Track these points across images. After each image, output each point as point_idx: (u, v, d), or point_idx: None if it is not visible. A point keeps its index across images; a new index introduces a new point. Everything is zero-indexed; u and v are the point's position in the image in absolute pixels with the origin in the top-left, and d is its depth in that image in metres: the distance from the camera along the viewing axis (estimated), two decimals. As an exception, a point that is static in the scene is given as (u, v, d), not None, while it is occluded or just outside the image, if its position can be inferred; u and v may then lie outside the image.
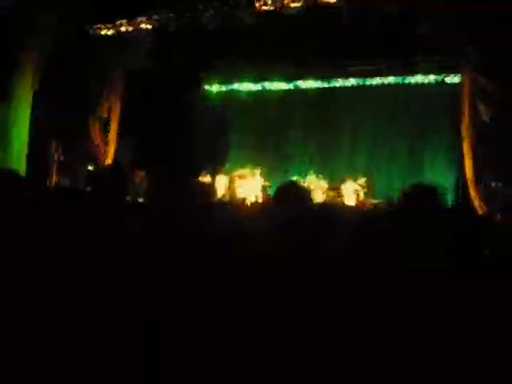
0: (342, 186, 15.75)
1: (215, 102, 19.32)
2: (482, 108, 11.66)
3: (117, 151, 16.54)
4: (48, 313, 2.45)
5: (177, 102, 17.34)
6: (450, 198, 15.58)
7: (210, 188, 13.51)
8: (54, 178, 15.82)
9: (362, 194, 16.12)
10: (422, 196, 2.69)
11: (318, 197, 15.60)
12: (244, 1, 13.48)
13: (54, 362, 2.34)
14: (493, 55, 11.19)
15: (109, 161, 16.20)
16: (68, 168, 16.14)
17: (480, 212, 11.42)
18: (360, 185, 15.99)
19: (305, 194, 2.67)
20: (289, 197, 2.59)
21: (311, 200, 2.62)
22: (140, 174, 16.21)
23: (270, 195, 16.56)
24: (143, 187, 15.84)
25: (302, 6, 12.98)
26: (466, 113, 12.02)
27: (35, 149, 15.04)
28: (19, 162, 14.04)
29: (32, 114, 14.76)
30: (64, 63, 14.67)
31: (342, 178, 16.10)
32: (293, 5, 13.01)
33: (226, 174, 17.54)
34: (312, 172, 16.78)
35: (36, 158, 15.06)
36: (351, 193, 15.38)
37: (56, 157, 15.95)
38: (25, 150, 14.39)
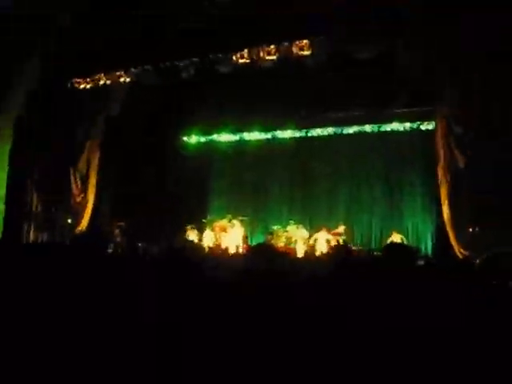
0: (315, 236, 15.74)
1: (194, 153, 19.37)
2: (457, 154, 11.79)
3: (96, 204, 16.40)
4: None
5: (155, 153, 17.38)
6: (429, 244, 15.70)
7: (193, 243, 13.47)
8: (32, 233, 15.59)
9: (341, 241, 16.09)
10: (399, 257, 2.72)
11: (299, 246, 15.54)
12: (222, 55, 13.66)
13: None
14: (467, 104, 11.39)
15: (88, 215, 16.05)
16: (47, 222, 15.93)
17: (460, 257, 11.39)
18: (338, 233, 16.00)
19: (273, 254, 2.67)
20: (259, 257, 2.59)
21: (280, 259, 2.62)
22: (119, 226, 16.09)
23: (250, 245, 16.49)
24: (123, 239, 15.71)
25: (277, 59, 13.18)
26: (442, 159, 12.13)
27: (12, 203, 14.88)
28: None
29: (10, 168, 14.66)
30: (42, 116, 14.71)
31: (318, 227, 16.11)
32: (268, 57, 13.20)
33: (207, 224, 17.45)
34: (292, 222, 16.79)
35: (13, 212, 14.88)
36: (324, 242, 15.32)
37: (35, 210, 15.76)
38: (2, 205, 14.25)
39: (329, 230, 15.74)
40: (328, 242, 15.33)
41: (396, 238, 14.63)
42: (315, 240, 15.61)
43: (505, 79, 10.59)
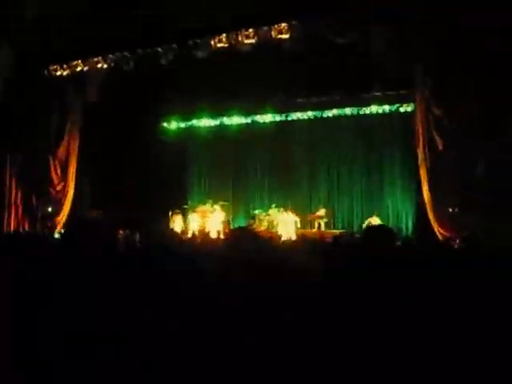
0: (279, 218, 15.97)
1: (174, 139, 19.24)
2: (436, 136, 11.88)
3: (76, 191, 16.26)
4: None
5: (134, 140, 17.22)
6: (410, 223, 15.86)
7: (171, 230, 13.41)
8: (13, 222, 15.42)
9: (322, 224, 16.22)
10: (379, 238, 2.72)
11: (282, 229, 15.57)
12: (201, 40, 13.53)
13: None
14: (445, 85, 11.46)
15: (68, 203, 15.92)
16: (28, 211, 15.75)
17: (440, 237, 11.53)
18: (319, 216, 16.14)
19: (255, 238, 2.65)
20: (240, 240, 2.56)
21: (260, 243, 2.59)
22: (97, 213, 15.96)
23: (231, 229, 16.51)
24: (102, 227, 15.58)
25: (255, 43, 13.10)
26: (421, 141, 12.22)
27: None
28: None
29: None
30: (19, 104, 14.48)
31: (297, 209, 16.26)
32: (246, 41, 13.12)
33: (189, 210, 17.42)
34: (274, 205, 16.84)
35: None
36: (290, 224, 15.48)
37: (15, 200, 15.58)
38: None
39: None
40: (295, 223, 15.55)
41: (375, 220, 14.74)
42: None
43: (479, 60, 10.66)
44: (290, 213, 16.00)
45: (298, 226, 15.78)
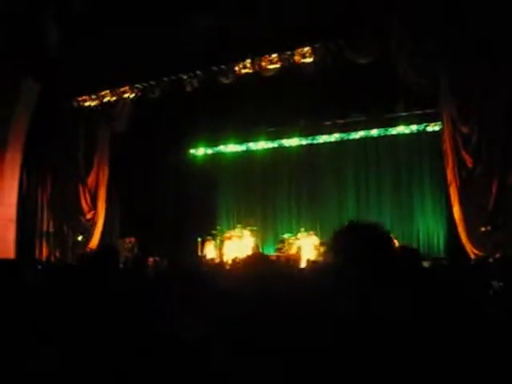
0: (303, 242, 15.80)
1: (202, 165, 19.34)
2: (464, 154, 11.70)
3: (106, 221, 16.41)
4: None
5: (163, 167, 17.38)
6: (442, 244, 15.56)
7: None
8: (45, 251, 15.63)
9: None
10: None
11: (310, 253, 15.39)
12: (225, 66, 13.66)
13: None
14: (471, 103, 11.32)
15: (98, 232, 16.06)
16: (59, 240, 15.95)
17: (472, 256, 11.26)
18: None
19: (268, 264, 2.58)
20: (255, 266, 2.50)
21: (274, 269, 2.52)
22: (130, 241, 16.05)
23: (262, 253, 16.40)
24: (133, 254, 15.67)
25: (279, 67, 13.17)
26: (450, 160, 12.03)
27: (25, 222, 14.96)
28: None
29: (21, 187, 14.77)
30: (48, 135, 14.76)
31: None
32: (270, 66, 13.19)
33: (218, 236, 17.36)
34: (303, 229, 16.69)
35: (26, 230, 14.95)
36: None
37: (47, 229, 15.82)
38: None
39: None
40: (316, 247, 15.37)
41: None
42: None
43: (503, 77, 10.51)
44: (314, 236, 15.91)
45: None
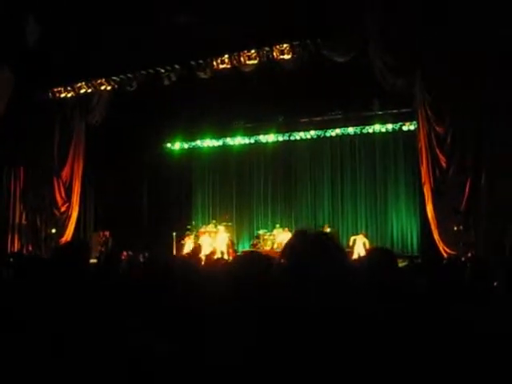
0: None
1: (178, 160, 19.22)
2: (439, 153, 11.81)
3: (80, 213, 16.23)
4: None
5: (138, 161, 17.25)
6: (415, 242, 15.73)
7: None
8: (17, 244, 15.40)
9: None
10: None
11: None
12: (203, 61, 13.58)
13: None
14: (446, 103, 11.42)
15: (72, 225, 15.87)
16: (32, 233, 15.72)
17: (445, 255, 11.40)
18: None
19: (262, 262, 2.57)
20: (246, 266, 2.49)
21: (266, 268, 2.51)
22: (104, 235, 15.93)
23: (236, 250, 16.41)
24: (107, 248, 15.56)
25: (257, 63, 13.14)
26: (424, 159, 12.14)
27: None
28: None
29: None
30: (22, 125, 14.53)
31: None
32: (249, 62, 13.17)
33: (193, 231, 17.27)
34: (278, 225, 16.75)
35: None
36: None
37: (18, 220, 15.57)
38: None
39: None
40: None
41: (360, 238, 14.63)
42: None
43: (477, 76, 10.60)
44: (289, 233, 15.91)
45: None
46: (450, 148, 11.63)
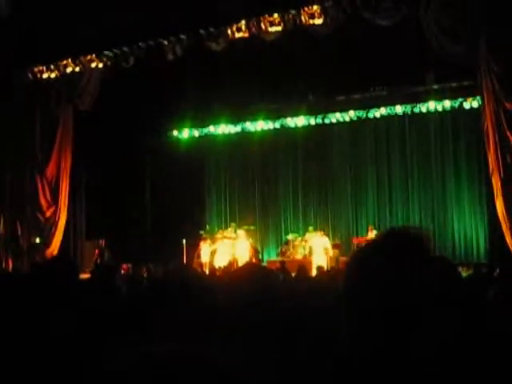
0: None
1: (187, 151, 19.22)
2: (509, 136, 11.64)
3: (69, 218, 16.34)
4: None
5: (139, 155, 17.29)
6: (482, 244, 15.56)
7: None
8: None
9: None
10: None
11: (321, 257, 15.34)
12: (215, 30, 13.55)
13: None
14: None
15: (60, 232, 15.96)
16: (12, 242, 15.82)
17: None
18: (369, 240, 15.75)
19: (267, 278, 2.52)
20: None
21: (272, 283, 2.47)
22: (99, 245, 16.03)
23: (262, 260, 16.39)
24: (105, 259, 15.64)
25: (282, 30, 13.08)
26: (492, 143, 11.97)
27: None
28: None
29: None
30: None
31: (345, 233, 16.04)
32: (271, 29, 13.10)
33: (207, 237, 17.26)
34: (311, 228, 16.65)
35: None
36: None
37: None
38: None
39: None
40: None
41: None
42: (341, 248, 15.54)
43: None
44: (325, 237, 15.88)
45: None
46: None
